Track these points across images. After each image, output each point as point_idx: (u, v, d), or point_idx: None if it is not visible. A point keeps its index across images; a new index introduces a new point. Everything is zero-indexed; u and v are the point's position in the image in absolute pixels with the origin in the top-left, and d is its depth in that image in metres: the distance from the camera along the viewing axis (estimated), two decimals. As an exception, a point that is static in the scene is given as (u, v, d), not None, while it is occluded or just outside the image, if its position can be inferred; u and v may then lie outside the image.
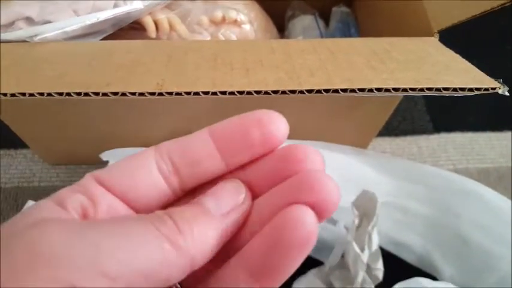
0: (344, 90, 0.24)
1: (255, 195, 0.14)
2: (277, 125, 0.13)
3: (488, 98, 0.30)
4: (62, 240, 0.10)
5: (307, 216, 0.11)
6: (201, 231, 0.12)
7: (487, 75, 0.26)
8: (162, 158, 0.14)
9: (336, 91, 0.24)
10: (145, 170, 0.14)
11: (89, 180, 0.14)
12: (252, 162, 0.14)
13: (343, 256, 0.35)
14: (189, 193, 0.15)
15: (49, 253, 0.10)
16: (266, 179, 0.14)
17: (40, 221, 0.11)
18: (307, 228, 0.11)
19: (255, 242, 0.12)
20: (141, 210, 0.14)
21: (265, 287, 0.12)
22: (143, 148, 0.36)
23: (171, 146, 0.14)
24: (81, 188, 0.13)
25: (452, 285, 0.31)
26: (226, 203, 0.13)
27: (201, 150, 0.14)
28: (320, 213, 0.12)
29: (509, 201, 0.35)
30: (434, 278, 0.37)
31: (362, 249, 0.33)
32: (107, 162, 0.36)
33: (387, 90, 0.24)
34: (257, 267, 0.12)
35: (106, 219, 0.12)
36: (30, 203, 0.28)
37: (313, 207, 0.12)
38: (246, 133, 0.13)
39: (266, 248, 0.12)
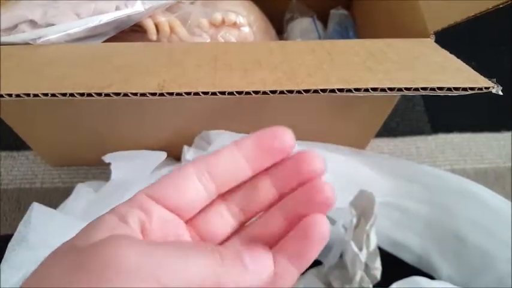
0: (341, 90, 0.24)
1: (278, 191, 0.17)
2: (289, 137, 0.17)
3: (485, 99, 0.30)
4: (132, 257, 0.13)
5: (324, 221, 0.16)
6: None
7: (483, 75, 0.26)
8: (200, 171, 0.17)
9: (332, 91, 0.24)
10: (188, 182, 0.16)
11: (141, 195, 0.16)
12: (273, 165, 0.18)
13: (341, 256, 0.35)
14: (222, 195, 0.18)
15: (122, 267, 0.12)
16: (286, 177, 0.17)
17: (112, 237, 0.14)
18: (325, 229, 0.16)
19: (291, 236, 0.16)
20: (185, 213, 0.17)
21: (297, 268, 0.16)
22: (144, 151, 0.36)
23: (206, 160, 0.17)
24: (136, 204, 0.16)
25: (450, 285, 0.32)
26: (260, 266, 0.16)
27: (231, 161, 0.17)
28: (326, 207, 0.16)
29: (507, 201, 0.35)
30: (432, 278, 0.37)
31: (360, 249, 0.33)
32: (108, 164, 0.36)
33: (383, 90, 0.24)
34: (293, 253, 0.16)
35: (168, 243, 0.15)
36: (35, 205, 0.28)
37: (321, 204, 0.16)
38: (267, 144, 0.17)
39: (300, 240, 0.16)
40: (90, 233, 0.14)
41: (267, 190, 0.18)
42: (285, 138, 0.17)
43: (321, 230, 0.16)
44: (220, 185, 0.17)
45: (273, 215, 0.17)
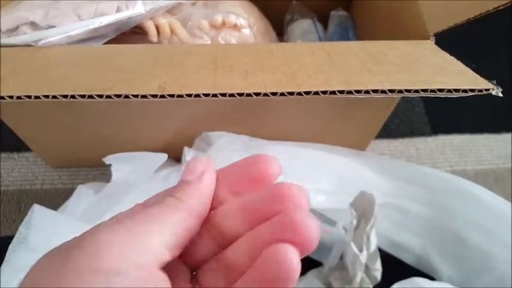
0: (341, 92, 0.25)
1: (249, 219, 0.16)
2: (272, 166, 0.17)
3: (485, 100, 0.30)
4: (106, 237, 0.14)
5: (290, 254, 0.14)
6: (191, 194, 0.16)
7: (483, 77, 0.26)
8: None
9: (333, 92, 0.25)
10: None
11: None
12: (249, 191, 0.17)
13: (342, 257, 0.35)
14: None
15: (99, 248, 0.13)
16: (259, 206, 0.16)
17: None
18: (291, 265, 0.14)
19: (248, 276, 0.15)
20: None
21: None
22: (145, 152, 0.36)
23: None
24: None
25: (450, 285, 0.32)
26: (197, 172, 0.17)
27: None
28: (301, 250, 0.14)
29: (507, 202, 0.36)
30: (432, 278, 0.37)
31: (360, 250, 0.33)
32: (109, 166, 0.36)
33: (383, 91, 0.24)
34: None
35: (136, 211, 0.16)
36: (35, 206, 0.28)
37: (295, 245, 0.14)
38: (250, 171, 0.17)
39: (257, 282, 0.14)
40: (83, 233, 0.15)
41: (236, 215, 0.17)
42: (269, 166, 0.17)
43: (286, 268, 0.13)
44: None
45: (238, 245, 0.16)
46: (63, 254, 0.14)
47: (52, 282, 0.13)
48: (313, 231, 0.14)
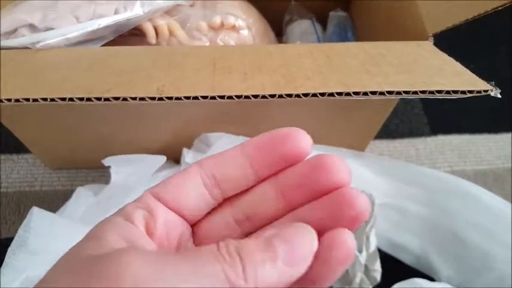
0: (339, 94, 0.25)
1: (287, 201, 0.15)
2: (304, 139, 0.15)
3: (484, 100, 0.30)
4: (143, 274, 0.12)
5: (349, 239, 0.14)
6: (265, 278, 0.13)
7: (482, 78, 0.26)
8: (206, 174, 0.16)
9: (331, 94, 0.25)
10: (193, 184, 0.16)
11: (147, 196, 0.16)
12: (283, 170, 0.16)
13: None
14: (228, 199, 0.17)
15: (135, 277, 0.12)
16: (298, 186, 0.15)
17: (125, 248, 0.13)
18: (350, 249, 0.14)
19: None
20: (190, 216, 0.16)
21: None
22: (144, 155, 0.36)
23: (211, 162, 0.16)
24: (142, 204, 0.15)
25: (449, 286, 0.32)
26: (298, 253, 0.13)
27: (234, 167, 0.16)
28: (356, 225, 0.14)
29: (506, 202, 0.36)
30: (431, 279, 0.37)
31: (360, 251, 0.33)
32: (108, 167, 0.36)
33: (382, 93, 0.24)
34: (309, 277, 0.14)
35: (180, 254, 0.13)
36: (34, 209, 0.28)
37: (351, 221, 0.14)
38: (277, 148, 0.15)
39: (319, 262, 0.14)
40: (101, 238, 0.14)
41: (275, 200, 0.16)
42: (298, 141, 0.15)
43: (345, 251, 0.13)
44: (225, 190, 0.16)
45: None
46: (94, 279, 0.12)
47: None
48: (366, 205, 0.14)
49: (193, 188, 0.16)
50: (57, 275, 0.13)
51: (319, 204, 0.15)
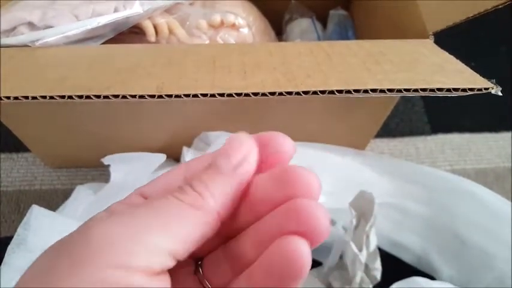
0: (340, 91, 0.24)
1: (256, 207, 0.15)
2: (285, 144, 0.15)
3: (484, 99, 0.30)
4: (111, 232, 0.13)
5: (300, 246, 0.13)
6: (217, 189, 0.14)
7: (483, 76, 0.26)
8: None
9: (331, 92, 0.24)
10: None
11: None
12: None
13: (341, 257, 0.35)
14: None
15: (103, 244, 0.12)
16: (266, 193, 0.15)
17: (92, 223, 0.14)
18: (301, 258, 0.13)
19: (255, 268, 0.14)
20: None
21: None
22: (143, 153, 0.36)
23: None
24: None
25: (450, 285, 0.32)
26: (236, 159, 0.14)
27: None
28: (310, 241, 0.13)
29: (507, 201, 0.35)
30: (432, 278, 0.37)
31: (360, 250, 0.33)
32: (108, 166, 0.36)
33: (382, 91, 0.24)
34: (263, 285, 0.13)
35: (140, 204, 0.14)
36: (34, 207, 0.28)
37: (303, 236, 0.13)
38: (260, 151, 0.15)
39: (267, 273, 0.13)
40: (85, 233, 0.14)
41: (245, 212, 0.15)
42: (279, 146, 0.15)
43: (296, 261, 0.12)
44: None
45: (244, 236, 0.15)
46: (64, 252, 0.13)
47: (56, 281, 0.12)
48: (322, 221, 0.13)
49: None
50: (34, 264, 0.13)
51: (276, 215, 0.14)
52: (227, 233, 0.16)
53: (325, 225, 0.13)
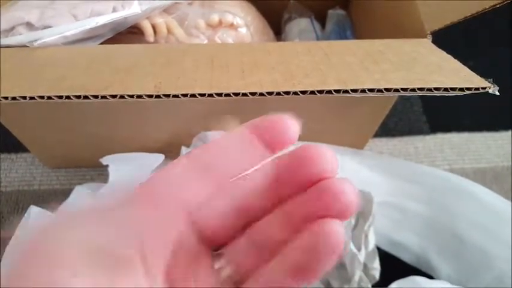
0: (337, 91, 0.24)
1: (275, 194, 0.15)
2: (291, 128, 0.15)
3: (483, 99, 0.30)
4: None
5: (337, 227, 0.13)
6: None
7: (481, 75, 0.26)
8: (197, 164, 0.15)
9: (329, 92, 0.24)
10: (186, 175, 0.15)
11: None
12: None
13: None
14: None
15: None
16: (285, 179, 0.15)
17: None
18: (338, 238, 0.13)
19: (294, 248, 0.14)
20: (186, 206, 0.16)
21: (299, 284, 0.14)
22: (142, 153, 0.36)
23: (199, 151, 0.16)
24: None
25: (449, 284, 0.32)
26: None
27: (226, 155, 0.15)
28: (343, 217, 0.14)
29: (506, 200, 0.35)
30: (431, 277, 0.37)
31: (359, 249, 0.33)
32: (106, 166, 0.36)
33: (379, 90, 0.24)
34: (296, 270, 0.13)
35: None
36: (32, 208, 0.28)
37: (338, 214, 0.13)
38: (265, 135, 0.15)
39: (305, 254, 0.13)
40: None
41: (263, 193, 0.15)
42: (285, 129, 0.15)
43: (333, 240, 0.13)
44: (219, 178, 0.15)
45: (272, 219, 0.15)
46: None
47: None
48: (353, 196, 0.13)
49: (186, 178, 0.15)
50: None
51: (305, 197, 0.14)
52: (250, 218, 0.15)
53: (356, 202, 0.14)
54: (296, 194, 0.15)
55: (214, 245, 0.16)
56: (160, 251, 0.14)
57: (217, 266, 0.15)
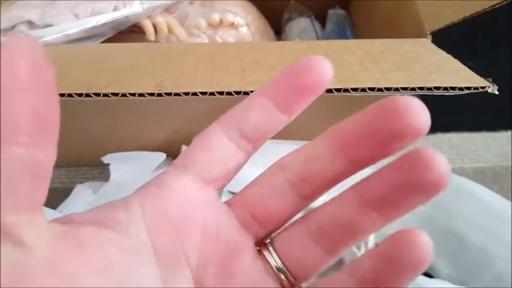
0: (338, 90, 0.25)
1: (347, 156, 0.13)
2: (325, 67, 0.13)
3: (483, 98, 0.30)
4: None
5: (425, 239, 0.11)
6: None
7: (480, 75, 0.26)
8: (230, 129, 0.14)
9: (329, 91, 0.25)
10: (218, 144, 0.14)
11: (171, 168, 0.15)
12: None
13: (340, 255, 0.36)
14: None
15: None
16: (360, 137, 0.13)
17: None
18: (424, 251, 0.11)
19: (370, 257, 0.12)
20: (219, 176, 0.14)
21: None
22: (143, 152, 0.36)
23: (233, 115, 0.15)
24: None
25: (448, 284, 0.32)
26: None
27: (259, 113, 0.14)
28: (435, 193, 0.12)
29: (505, 200, 0.36)
30: (430, 276, 0.37)
31: (358, 248, 0.33)
32: (107, 165, 0.36)
33: (379, 89, 0.24)
34: (369, 282, 0.12)
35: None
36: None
37: (428, 189, 0.11)
38: (296, 81, 0.13)
39: (381, 264, 0.12)
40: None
41: (332, 156, 0.13)
42: (317, 71, 0.13)
43: (418, 253, 0.11)
44: (253, 140, 0.14)
45: (341, 199, 0.13)
46: None
47: None
48: (446, 168, 0.11)
49: (218, 147, 0.14)
50: None
51: (388, 169, 0.12)
52: (311, 193, 0.13)
53: (450, 174, 0.11)
54: (372, 157, 0.12)
55: (264, 231, 0.14)
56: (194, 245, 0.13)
57: (267, 256, 0.14)
